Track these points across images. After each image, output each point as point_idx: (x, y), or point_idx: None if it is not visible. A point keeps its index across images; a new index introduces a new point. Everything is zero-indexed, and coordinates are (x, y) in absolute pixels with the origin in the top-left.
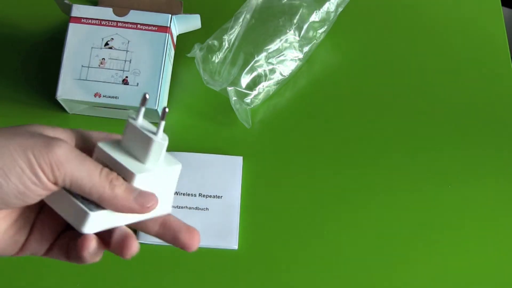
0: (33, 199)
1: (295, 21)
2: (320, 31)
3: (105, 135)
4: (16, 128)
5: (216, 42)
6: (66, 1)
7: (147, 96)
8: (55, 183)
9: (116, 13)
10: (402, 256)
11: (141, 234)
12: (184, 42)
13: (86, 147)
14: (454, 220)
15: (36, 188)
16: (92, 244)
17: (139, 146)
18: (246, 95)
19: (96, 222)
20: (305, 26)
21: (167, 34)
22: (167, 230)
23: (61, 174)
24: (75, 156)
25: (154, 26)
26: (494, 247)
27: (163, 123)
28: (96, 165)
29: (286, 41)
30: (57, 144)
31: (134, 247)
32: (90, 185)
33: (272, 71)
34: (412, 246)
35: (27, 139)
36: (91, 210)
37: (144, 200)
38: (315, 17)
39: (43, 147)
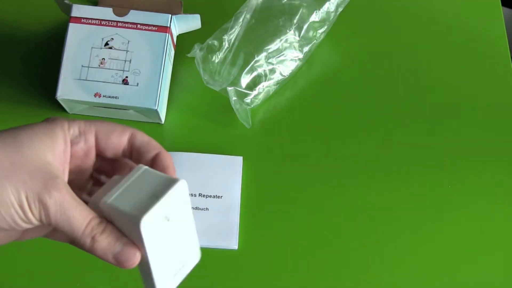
0: (19, 231)
1: (295, 21)
2: (320, 31)
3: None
4: (16, 150)
5: (216, 42)
6: (66, 1)
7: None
8: (41, 224)
9: (116, 13)
10: (403, 256)
11: None
12: (184, 42)
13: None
14: (454, 218)
15: (24, 224)
16: None
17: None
18: (246, 95)
19: None
20: (305, 26)
21: (167, 34)
22: None
23: (47, 221)
24: (63, 209)
25: (154, 26)
26: (494, 244)
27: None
28: (82, 221)
29: (286, 41)
30: (49, 195)
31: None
32: (72, 238)
33: (272, 71)
34: (412, 245)
35: (26, 181)
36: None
37: (123, 258)
38: (315, 17)
39: (37, 193)
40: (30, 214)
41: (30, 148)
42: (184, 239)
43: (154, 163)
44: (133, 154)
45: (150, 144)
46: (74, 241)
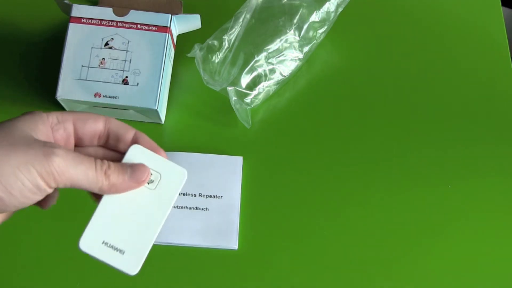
0: (28, 205)
1: (295, 21)
2: (320, 31)
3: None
4: (9, 134)
5: (216, 42)
6: (66, 1)
7: None
8: (56, 187)
9: (116, 13)
10: (402, 256)
11: None
12: (184, 42)
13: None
14: (454, 219)
15: (34, 196)
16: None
17: None
18: (246, 95)
19: None
20: (305, 26)
21: (167, 34)
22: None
23: (62, 180)
24: (71, 159)
25: (154, 26)
26: (494, 246)
27: None
28: (90, 162)
29: (286, 41)
30: (54, 154)
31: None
32: (88, 184)
33: (272, 71)
34: (411, 245)
35: (26, 152)
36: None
37: (137, 175)
38: (315, 17)
39: (43, 158)
40: (41, 183)
41: (18, 130)
42: (143, 228)
43: (135, 142)
44: (110, 138)
45: (126, 126)
46: (90, 188)
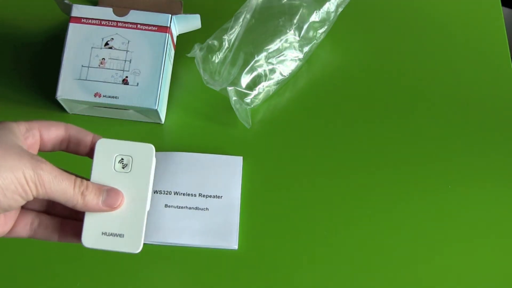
0: (14, 208)
1: (295, 21)
2: (320, 31)
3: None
4: (4, 144)
5: (216, 42)
6: (66, 1)
7: None
8: (36, 196)
9: (116, 13)
10: (402, 255)
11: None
12: (184, 42)
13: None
14: (455, 221)
15: (22, 200)
16: None
17: None
18: (246, 95)
19: None
20: (305, 26)
21: (167, 34)
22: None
23: (41, 192)
24: (54, 177)
25: (154, 26)
26: (494, 248)
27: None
28: (70, 181)
29: (286, 41)
30: (41, 168)
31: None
32: (65, 200)
33: (272, 71)
34: (411, 246)
35: (19, 161)
36: None
37: (110, 201)
38: (315, 17)
39: (30, 169)
40: (27, 188)
41: (7, 137)
42: (132, 209)
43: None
44: (71, 142)
45: (84, 131)
46: (65, 204)
